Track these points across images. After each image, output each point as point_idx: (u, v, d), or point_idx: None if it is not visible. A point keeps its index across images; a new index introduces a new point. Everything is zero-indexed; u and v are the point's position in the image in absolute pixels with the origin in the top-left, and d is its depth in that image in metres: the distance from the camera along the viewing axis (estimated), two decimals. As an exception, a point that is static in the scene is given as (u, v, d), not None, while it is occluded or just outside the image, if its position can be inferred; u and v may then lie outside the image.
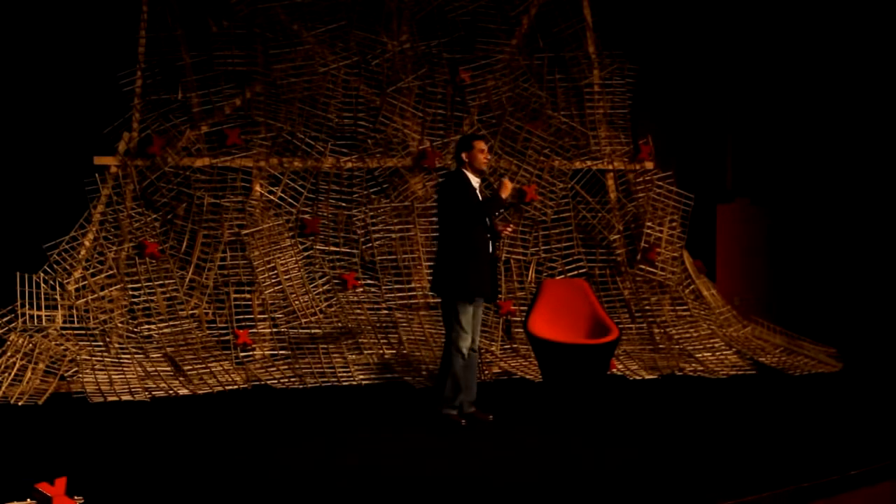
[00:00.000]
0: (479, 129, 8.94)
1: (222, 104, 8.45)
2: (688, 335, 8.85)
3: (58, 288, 7.89)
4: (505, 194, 6.50)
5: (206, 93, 8.40)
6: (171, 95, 8.34)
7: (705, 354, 8.64)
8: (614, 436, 6.29)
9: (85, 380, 7.50)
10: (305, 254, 8.61)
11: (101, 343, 7.90)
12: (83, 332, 7.91)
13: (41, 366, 7.51)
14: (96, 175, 8.15)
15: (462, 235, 6.43)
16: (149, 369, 7.77)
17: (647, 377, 8.21)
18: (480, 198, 6.51)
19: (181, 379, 7.73)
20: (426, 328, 8.54)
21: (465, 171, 6.53)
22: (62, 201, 8.14)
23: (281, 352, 8.27)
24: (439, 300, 6.67)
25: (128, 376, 7.64)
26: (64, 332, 7.85)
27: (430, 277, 7.35)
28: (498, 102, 8.99)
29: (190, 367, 7.85)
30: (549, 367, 7.13)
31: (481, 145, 6.54)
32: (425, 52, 8.89)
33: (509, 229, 6.79)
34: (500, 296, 7.89)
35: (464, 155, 6.53)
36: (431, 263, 8.71)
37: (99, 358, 7.78)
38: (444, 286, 6.49)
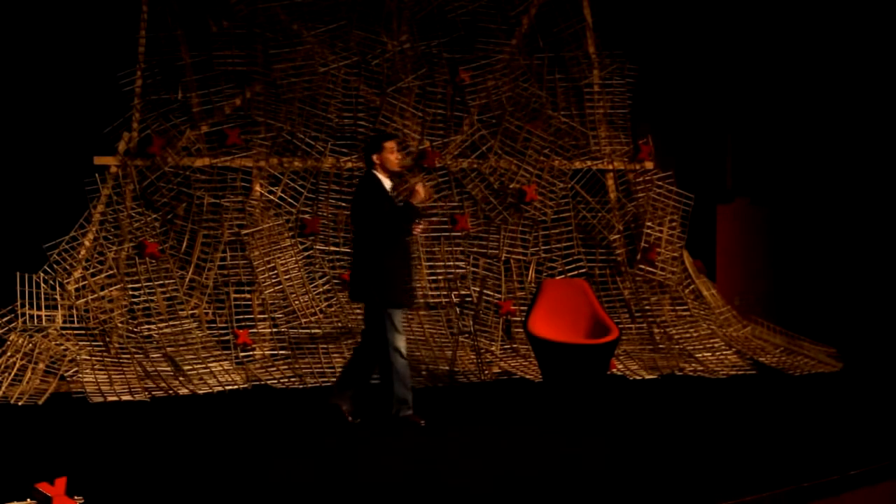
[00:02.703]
0: (479, 128, 8.95)
1: (222, 104, 8.45)
2: (688, 335, 8.85)
3: (58, 288, 7.89)
4: (417, 200, 6.29)
5: (206, 93, 8.40)
6: (171, 95, 8.34)
7: (705, 354, 8.63)
8: (614, 436, 6.29)
9: (85, 380, 7.50)
10: (305, 254, 8.60)
11: (101, 343, 7.90)
12: (83, 332, 7.91)
13: (41, 366, 7.51)
14: (96, 175, 8.14)
15: (384, 242, 6.26)
16: (149, 369, 7.77)
17: (647, 377, 8.21)
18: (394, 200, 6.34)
19: (181, 379, 7.73)
20: (426, 328, 8.54)
21: (376, 173, 6.34)
22: (62, 201, 8.14)
23: (281, 352, 8.27)
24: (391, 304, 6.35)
25: (128, 376, 7.64)
26: (64, 332, 7.85)
27: (350, 284, 6.73)
28: (498, 102, 8.99)
29: (190, 367, 7.85)
30: (549, 367, 7.13)
31: (391, 145, 6.35)
32: (425, 52, 8.89)
33: (419, 228, 6.57)
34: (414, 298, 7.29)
35: (374, 157, 6.34)
36: (429, 264, 8.74)
37: (99, 358, 7.78)
38: (373, 294, 6.32)
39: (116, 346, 7.91)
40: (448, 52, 8.93)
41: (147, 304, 8.14)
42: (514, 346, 8.71)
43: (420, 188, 6.35)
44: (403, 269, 6.37)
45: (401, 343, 6.37)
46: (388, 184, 6.38)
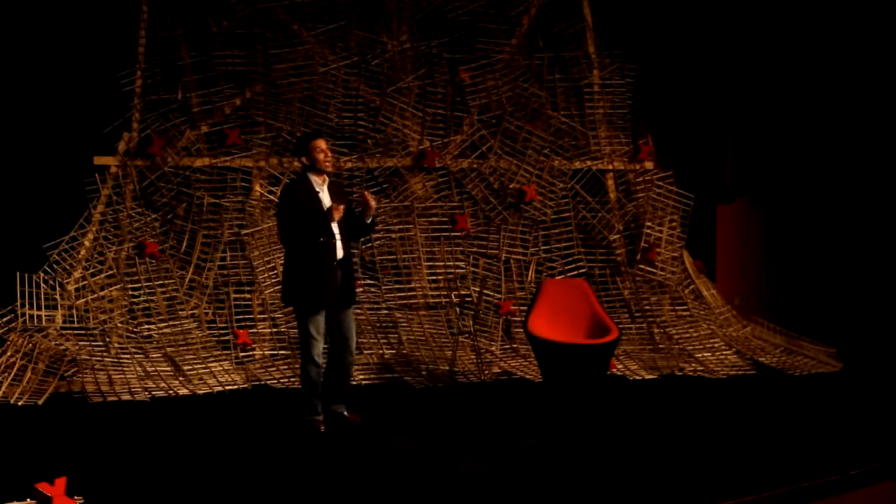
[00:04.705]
0: (479, 128, 8.95)
1: (222, 104, 8.45)
2: (688, 335, 8.85)
3: (58, 288, 7.89)
4: (368, 210, 6.10)
5: (206, 93, 8.40)
6: (171, 95, 8.34)
7: (705, 354, 8.63)
8: (614, 436, 6.30)
9: (85, 380, 7.50)
10: (305, 254, 8.60)
11: (101, 343, 7.89)
12: (83, 332, 7.91)
13: (41, 366, 7.51)
14: (96, 175, 8.14)
15: (302, 244, 6.07)
16: (149, 369, 7.77)
17: (647, 377, 8.21)
18: (328, 199, 6.11)
19: (181, 379, 7.73)
20: (426, 328, 8.54)
21: (309, 174, 6.14)
22: (62, 201, 8.13)
23: (281, 352, 8.27)
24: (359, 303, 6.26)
25: (128, 376, 7.64)
26: (64, 332, 7.85)
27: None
28: (498, 102, 8.99)
29: (190, 367, 7.85)
30: (549, 367, 7.14)
31: (320, 144, 6.12)
32: (425, 52, 8.89)
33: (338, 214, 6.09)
34: (356, 295, 6.68)
35: (304, 159, 6.15)
36: (429, 264, 8.74)
37: (99, 358, 7.77)
38: (292, 296, 6.20)
39: (116, 346, 7.90)
40: (448, 52, 8.93)
41: (147, 304, 8.14)
42: (514, 346, 8.71)
43: (370, 200, 6.14)
44: (327, 274, 6.08)
45: (315, 351, 6.13)
46: (321, 184, 6.15)
